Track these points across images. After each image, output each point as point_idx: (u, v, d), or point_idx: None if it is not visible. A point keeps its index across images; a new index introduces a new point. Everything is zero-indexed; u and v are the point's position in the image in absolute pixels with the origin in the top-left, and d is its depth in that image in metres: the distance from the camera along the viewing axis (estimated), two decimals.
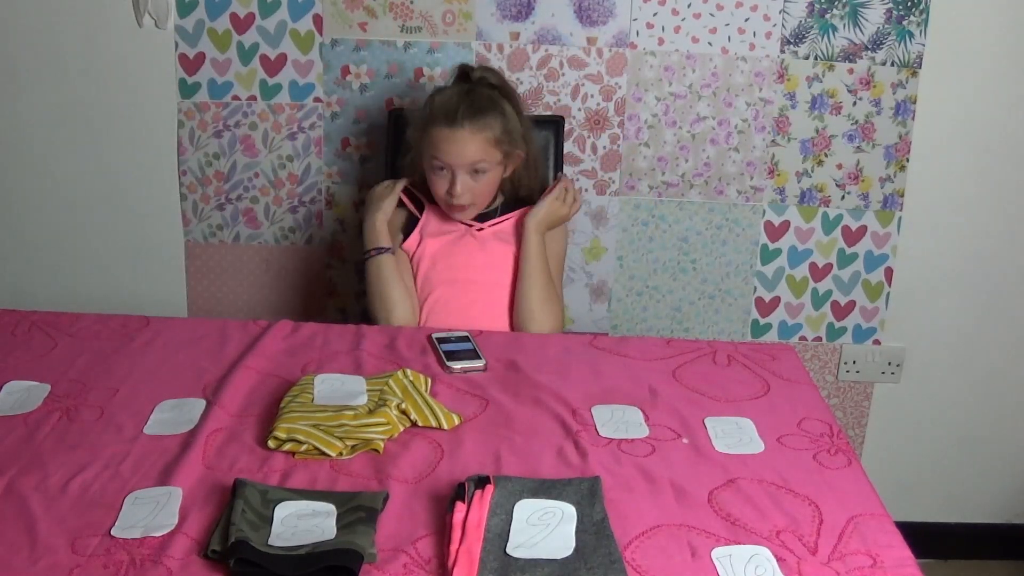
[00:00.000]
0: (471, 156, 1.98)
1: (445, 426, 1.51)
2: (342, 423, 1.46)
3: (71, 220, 2.46)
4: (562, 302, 2.10)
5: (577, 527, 1.25)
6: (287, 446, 1.43)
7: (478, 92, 2.02)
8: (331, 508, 1.27)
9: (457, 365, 1.70)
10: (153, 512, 1.27)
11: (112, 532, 1.24)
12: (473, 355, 1.73)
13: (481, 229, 2.09)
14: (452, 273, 2.06)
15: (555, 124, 2.26)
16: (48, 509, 1.28)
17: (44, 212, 2.46)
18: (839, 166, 2.41)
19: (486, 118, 1.99)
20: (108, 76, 2.35)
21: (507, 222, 2.11)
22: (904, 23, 2.31)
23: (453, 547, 1.20)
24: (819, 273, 2.49)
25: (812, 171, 2.41)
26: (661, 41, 2.33)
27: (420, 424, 1.51)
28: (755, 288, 2.50)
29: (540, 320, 2.01)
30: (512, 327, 2.04)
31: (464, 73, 2.07)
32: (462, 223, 2.09)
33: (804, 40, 2.32)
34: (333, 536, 1.21)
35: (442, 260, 2.07)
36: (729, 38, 2.33)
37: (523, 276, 2.03)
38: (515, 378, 1.68)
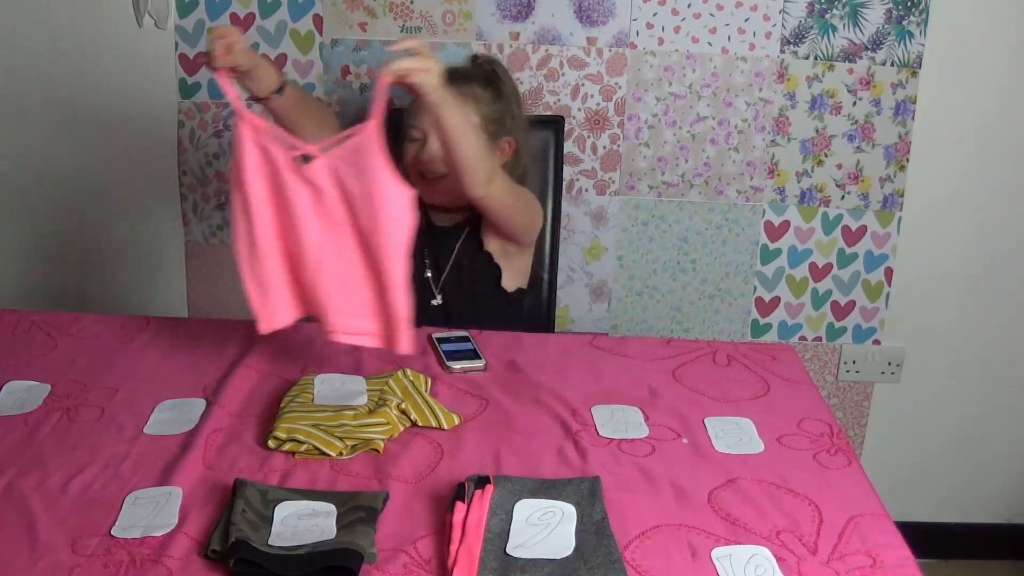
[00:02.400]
0: None
1: (445, 426, 1.51)
2: (342, 423, 1.46)
3: (71, 220, 2.46)
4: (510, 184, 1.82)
5: (577, 527, 1.25)
6: (287, 446, 1.43)
7: (472, 68, 1.97)
8: (331, 508, 1.27)
9: (457, 365, 1.70)
10: (153, 512, 1.27)
11: (112, 532, 1.24)
12: (473, 355, 1.73)
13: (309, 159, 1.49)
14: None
15: (555, 124, 2.26)
16: (48, 509, 1.28)
17: (44, 212, 2.46)
18: (839, 166, 2.41)
19: (472, 88, 1.91)
20: (108, 76, 2.35)
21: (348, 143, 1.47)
22: (904, 23, 2.31)
23: (453, 547, 1.20)
24: (819, 273, 2.49)
25: (812, 171, 2.41)
26: (661, 41, 2.33)
27: (420, 424, 1.51)
28: (755, 288, 2.50)
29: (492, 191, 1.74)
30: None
31: (473, 58, 2.05)
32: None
33: (804, 40, 2.32)
34: (333, 536, 1.21)
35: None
36: (729, 38, 2.33)
37: (456, 153, 1.68)
38: (515, 378, 1.67)
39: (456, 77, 1.88)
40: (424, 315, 1.94)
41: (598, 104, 2.36)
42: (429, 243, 1.99)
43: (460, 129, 1.68)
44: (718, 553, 1.23)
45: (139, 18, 2.31)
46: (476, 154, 1.72)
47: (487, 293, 2.00)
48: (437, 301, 2.01)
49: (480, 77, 1.96)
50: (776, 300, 2.51)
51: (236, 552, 1.17)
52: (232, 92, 1.53)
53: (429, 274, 2.01)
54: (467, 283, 2.01)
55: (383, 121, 1.46)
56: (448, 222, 2.02)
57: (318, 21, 2.32)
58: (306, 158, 1.46)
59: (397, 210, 1.43)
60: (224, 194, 2.42)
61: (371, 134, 1.43)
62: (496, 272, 2.00)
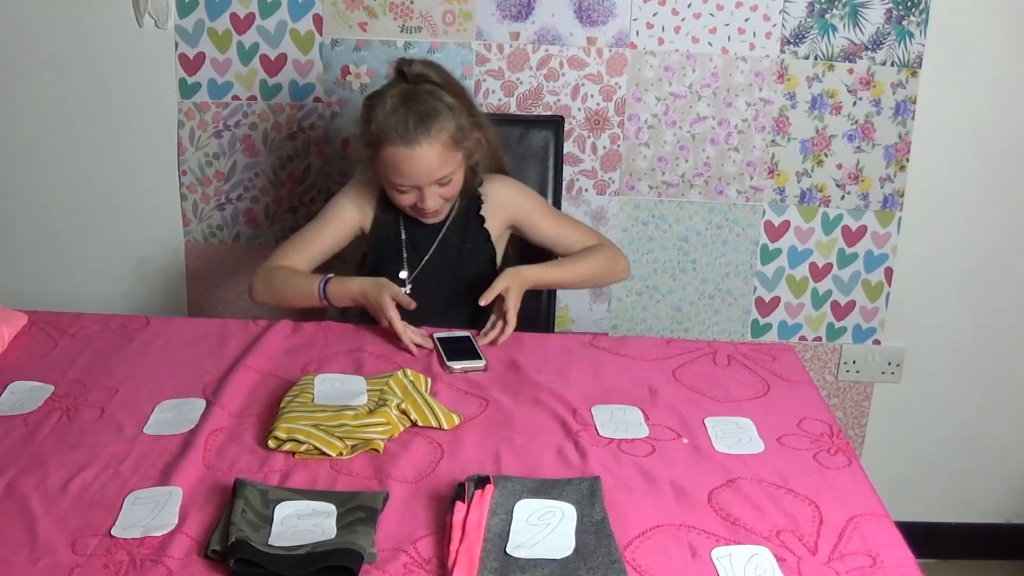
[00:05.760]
0: (436, 172, 1.85)
1: (445, 426, 1.51)
2: (342, 423, 1.46)
3: (71, 220, 2.46)
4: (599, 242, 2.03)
5: (577, 527, 1.25)
6: (287, 446, 1.43)
7: (419, 94, 1.85)
8: (331, 508, 1.27)
9: (457, 365, 1.70)
10: (153, 512, 1.27)
11: (112, 532, 1.24)
12: (474, 355, 1.73)
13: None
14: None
15: (555, 124, 2.26)
16: (48, 509, 1.28)
17: (44, 212, 2.46)
18: (839, 166, 2.41)
19: (438, 122, 1.83)
20: (108, 76, 2.35)
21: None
22: (904, 23, 2.31)
23: (453, 547, 1.20)
24: (819, 273, 2.49)
25: (812, 171, 2.41)
26: (661, 41, 2.33)
27: (420, 424, 1.51)
28: (755, 288, 2.50)
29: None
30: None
31: (400, 71, 1.90)
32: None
33: (804, 40, 2.32)
34: (333, 536, 1.22)
35: None
36: (729, 38, 2.33)
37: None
38: (515, 378, 1.68)
39: (421, 95, 1.85)
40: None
41: (598, 104, 2.36)
42: (409, 245, 1.99)
43: (576, 278, 2.01)
44: (718, 553, 1.23)
45: (139, 18, 2.31)
46: (593, 272, 2.01)
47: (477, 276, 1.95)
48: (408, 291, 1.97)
49: (436, 94, 1.87)
50: (776, 300, 2.51)
51: (236, 552, 1.17)
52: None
53: (404, 274, 1.99)
54: (441, 275, 2.00)
55: None
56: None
57: (318, 21, 2.32)
58: None
59: None
60: (224, 194, 2.42)
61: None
62: (492, 252, 2.02)
